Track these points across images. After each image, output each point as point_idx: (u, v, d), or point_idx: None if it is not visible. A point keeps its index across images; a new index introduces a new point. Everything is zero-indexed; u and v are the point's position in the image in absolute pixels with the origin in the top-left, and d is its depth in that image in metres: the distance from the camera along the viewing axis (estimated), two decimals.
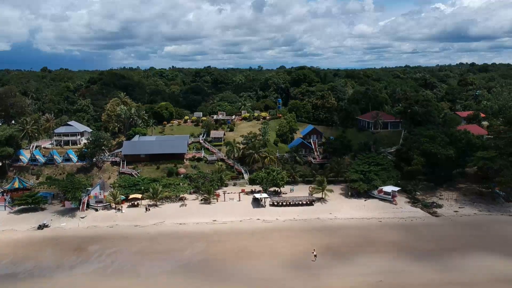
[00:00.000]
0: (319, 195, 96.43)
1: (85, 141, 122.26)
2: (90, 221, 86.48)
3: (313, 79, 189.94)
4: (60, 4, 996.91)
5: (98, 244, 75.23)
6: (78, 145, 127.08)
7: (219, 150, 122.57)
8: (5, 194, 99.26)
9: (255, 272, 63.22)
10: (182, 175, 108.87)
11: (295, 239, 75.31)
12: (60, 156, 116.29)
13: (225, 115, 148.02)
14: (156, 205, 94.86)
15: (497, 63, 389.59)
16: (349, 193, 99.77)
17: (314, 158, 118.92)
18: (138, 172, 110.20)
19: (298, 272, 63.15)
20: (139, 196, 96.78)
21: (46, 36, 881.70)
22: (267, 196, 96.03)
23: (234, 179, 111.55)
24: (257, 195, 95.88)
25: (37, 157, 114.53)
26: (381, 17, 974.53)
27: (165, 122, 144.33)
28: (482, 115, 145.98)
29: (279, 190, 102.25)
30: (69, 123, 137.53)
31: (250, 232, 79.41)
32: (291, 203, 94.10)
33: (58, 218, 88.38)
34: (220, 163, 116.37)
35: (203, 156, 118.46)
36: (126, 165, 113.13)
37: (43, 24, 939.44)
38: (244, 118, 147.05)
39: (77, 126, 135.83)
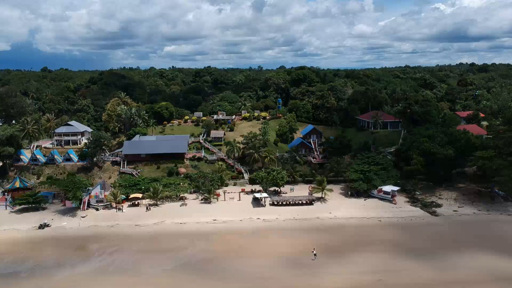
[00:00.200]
0: (319, 194, 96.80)
1: (86, 141, 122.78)
2: (91, 221, 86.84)
3: (313, 79, 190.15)
4: (60, 4, 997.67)
5: (99, 243, 75.58)
6: (79, 145, 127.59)
7: (219, 150, 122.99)
8: (6, 193, 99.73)
9: (255, 271, 63.59)
10: (182, 175, 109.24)
11: (295, 238, 75.69)
12: (61, 156, 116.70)
13: (225, 115, 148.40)
14: (156, 205, 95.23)
15: (497, 63, 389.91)
16: (349, 193, 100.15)
17: (314, 157, 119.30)
18: (138, 172, 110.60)
19: (298, 270, 63.53)
20: (140, 195, 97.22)
21: (46, 36, 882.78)
22: (267, 195, 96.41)
23: (234, 179, 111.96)
24: (257, 195, 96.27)
25: (37, 157, 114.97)
26: (381, 17, 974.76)
27: (165, 122, 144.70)
28: (482, 115, 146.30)
29: (279, 190, 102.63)
30: (69, 123, 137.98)
31: (250, 231, 79.78)
32: (291, 202, 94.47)
33: (59, 218, 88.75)
34: (220, 162, 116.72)
35: (203, 156, 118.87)
36: (126, 165, 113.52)
37: (43, 24, 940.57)
38: (244, 118, 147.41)
39: (77, 126, 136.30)
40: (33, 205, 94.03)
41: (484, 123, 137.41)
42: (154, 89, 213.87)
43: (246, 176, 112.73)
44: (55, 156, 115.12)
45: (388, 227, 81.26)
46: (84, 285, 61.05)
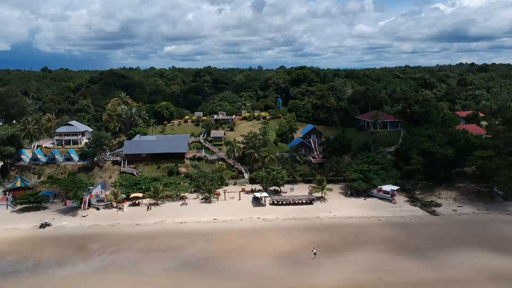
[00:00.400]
0: (319, 194, 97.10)
1: (86, 141, 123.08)
2: (92, 220, 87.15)
3: (313, 79, 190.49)
4: (60, 4, 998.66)
5: (100, 242, 75.88)
6: (79, 145, 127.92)
7: (220, 149, 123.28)
8: (7, 193, 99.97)
9: (255, 270, 63.91)
10: (182, 174, 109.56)
11: (295, 238, 75.98)
12: (61, 156, 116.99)
13: (225, 114, 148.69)
14: (157, 204, 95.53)
15: (497, 63, 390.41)
16: (349, 192, 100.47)
17: (314, 157, 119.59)
18: (139, 172, 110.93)
19: (298, 269, 63.82)
20: (140, 195, 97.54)
21: (46, 36, 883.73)
22: (267, 195, 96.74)
23: (234, 178, 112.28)
24: (257, 194, 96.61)
25: (38, 156, 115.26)
26: (381, 17, 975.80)
27: (165, 122, 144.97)
28: (481, 114, 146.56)
29: (279, 189, 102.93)
30: (70, 122, 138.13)
31: (250, 230, 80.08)
32: (291, 202, 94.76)
33: (60, 217, 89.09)
34: (220, 162, 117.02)
35: (204, 156, 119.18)
36: (127, 165, 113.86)
37: (43, 24, 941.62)
38: (244, 118, 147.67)
39: (78, 125, 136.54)
40: (34, 205, 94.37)
41: (484, 123, 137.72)
42: (154, 89, 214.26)
43: (246, 175, 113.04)
44: (56, 156, 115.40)
45: (387, 226, 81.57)
46: (85, 284, 61.32)
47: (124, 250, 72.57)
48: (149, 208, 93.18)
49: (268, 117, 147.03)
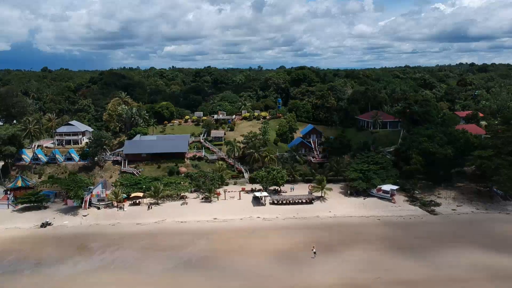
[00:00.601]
0: (319, 193, 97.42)
1: (87, 141, 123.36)
2: (93, 219, 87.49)
3: (313, 79, 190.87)
4: (60, 4, 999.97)
5: (101, 241, 76.22)
6: (80, 145, 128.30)
7: (220, 149, 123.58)
8: (8, 192, 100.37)
9: (255, 269, 64.23)
10: (183, 174, 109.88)
11: (295, 237, 76.30)
12: (62, 155, 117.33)
13: (225, 114, 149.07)
14: (157, 204, 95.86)
15: (497, 63, 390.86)
16: (348, 192, 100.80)
17: (313, 157, 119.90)
18: (139, 171, 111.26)
19: (298, 268, 64.13)
20: (141, 194, 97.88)
21: (46, 36, 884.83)
22: (267, 194, 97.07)
23: (234, 178, 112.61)
24: (257, 194, 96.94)
25: (39, 156, 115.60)
26: (381, 17, 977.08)
27: (165, 122, 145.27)
28: (481, 114, 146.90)
29: (279, 189, 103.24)
30: (70, 122, 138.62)
31: (250, 230, 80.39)
32: (291, 201, 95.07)
33: (60, 216, 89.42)
34: (220, 162, 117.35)
35: (204, 155, 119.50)
36: (127, 164, 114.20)
37: (43, 24, 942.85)
38: (244, 118, 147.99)
39: (78, 125, 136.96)
40: (35, 204, 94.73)
41: (483, 123, 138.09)
42: (154, 89, 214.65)
43: (246, 175, 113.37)
44: (57, 156, 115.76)
45: (387, 225, 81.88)
46: (86, 283, 61.61)
47: (125, 249, 72.92)
48: (150, 207, 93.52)
49: (268, 117, 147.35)
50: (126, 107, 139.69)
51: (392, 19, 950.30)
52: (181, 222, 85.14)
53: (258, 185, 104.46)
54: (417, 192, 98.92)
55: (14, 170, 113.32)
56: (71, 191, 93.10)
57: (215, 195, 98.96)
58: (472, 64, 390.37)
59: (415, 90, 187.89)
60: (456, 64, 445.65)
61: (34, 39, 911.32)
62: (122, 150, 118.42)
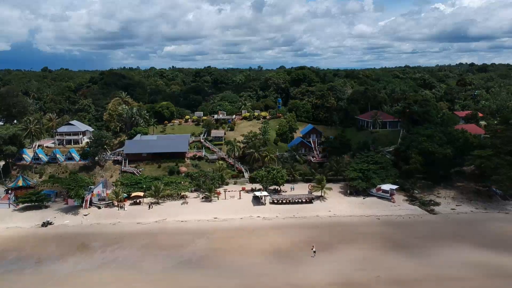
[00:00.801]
0: (319, 193, 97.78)
1: (87, 140, 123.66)
2: (93, 219, 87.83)
3: (313, 79, 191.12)
4: (60, 4, 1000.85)
5: (101, 241, 76.59)
6: (80, 144, 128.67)
7: (220, 149, 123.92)
8: (9, 192, 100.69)
9: (255, 268, 64.57)
10: (183, 174, 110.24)
11: (295, 236, 76.64)
12: (63, 155, 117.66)
13: (225, 114, 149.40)
14: (158, 203, 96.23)
15: (497, 63, 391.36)
16: (348, 191, 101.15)
17: (313, 157, 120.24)
18: (140, 171, 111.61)
19: (297, 267, 64.51)
20: (141, 194, 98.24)
21: (46, 36, 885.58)
22: (267, 194, 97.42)
23: (234, 178, 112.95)
24: (257, 193, 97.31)
25: (40, 156, 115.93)
26: (381, 17, 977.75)
27: (166, 122, 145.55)
28: (480, 114, 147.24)
29: (279, 189, 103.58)
30: (71, 122, 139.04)
31: (250, 229, 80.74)
32: (291, 201, 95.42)
33: (61, 216, 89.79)
34: (220, 162, 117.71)
35: (204, 155, 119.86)
36: (128, 164, 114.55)
37: (43, 24, 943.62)
38: (245, 118, 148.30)
39: (79, 125, 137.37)
40: (35, 204, 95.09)
41: (483, 122, 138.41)
42: (154, 89, 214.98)
43: (246, 175, 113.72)
44: (57, 155, 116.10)
45: (386, 225, 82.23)
46: (86, 282, 61.93)
47: (125, 249, 73.27)
48: (151, 206, 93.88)
49: (268, 116, 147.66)
50: (127, 107, 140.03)
51: (392, 19, 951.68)
52: (182, 221, 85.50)
53: (258, 184, 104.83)
54: (416, 191, 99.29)
55: (15, 170, 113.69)
56: (71, 191, 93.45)
57: (215, 195, 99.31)
58: (472, 64, 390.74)
59: (414, 90, 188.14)
60: (456, 64, 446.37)
61: (34, 39, 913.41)
62: (123, 150, 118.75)
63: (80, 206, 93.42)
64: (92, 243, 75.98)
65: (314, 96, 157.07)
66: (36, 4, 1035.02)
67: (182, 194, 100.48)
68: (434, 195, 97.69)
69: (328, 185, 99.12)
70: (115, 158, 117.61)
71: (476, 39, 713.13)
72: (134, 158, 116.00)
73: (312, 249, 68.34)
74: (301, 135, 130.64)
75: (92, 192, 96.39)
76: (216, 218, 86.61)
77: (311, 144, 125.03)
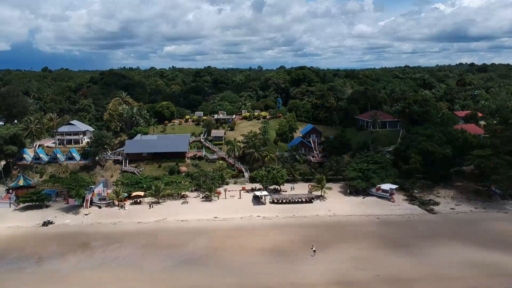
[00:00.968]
0: (318, 193, 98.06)
1: (88, 140, 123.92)
2: (94, 218, 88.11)
3: (313, 79, 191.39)
4: (60, 4, 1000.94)
5: (102, 240, 76.86)
6: (81, 144, 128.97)
7: (220, 149, 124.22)
8: (10, 191, 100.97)
9: (255, 267, 64.80)
10: (183, 173, 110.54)
11: (295, 236, 76.92)
12: (63, 155, 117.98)
13: (225, 114, 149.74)
14: (158, 203, 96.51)
15: (497, 63, 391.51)
16: (348, 191, 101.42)
17: (313, 156, 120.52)
18: (140, 170, 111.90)
19: (297, 266, 64.77)
20: (142, 193, 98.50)
21: (46, 36, 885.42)
22: (267, 194, 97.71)
23: (234, 177, 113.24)
24: (258, 193, 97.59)
25: (40, 155, 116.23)
26: (381, 17, 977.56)
27: (166, 122, 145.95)
28: (480, 114, 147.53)
29: (279, 188, 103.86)
30: (71, 122, 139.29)
31: (250, 228, 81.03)
32: (291, 200, 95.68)
33: (62, 215, 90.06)
34: (221, 161, 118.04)
35: (204, 155, 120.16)
36: (128, 164, 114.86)
37: (43, 24, 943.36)
38: (245, 118, 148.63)
39: (79, 125, 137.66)
40: (36, 203, 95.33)
41: (482, 122, 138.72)
42: (154, 89, 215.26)
43: (246, 174, 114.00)
44: (58, 155, 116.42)
45: (386, 224, 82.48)
46: (87, 281, 62.17)
47: (126, 248, 73.51)
48: (151, 206, 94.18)
49: (268, 116, 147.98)
50: (127, 106, 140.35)
51: (392, 19, 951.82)
52: (182, 220, 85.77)
53: (258, 184, 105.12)
54: (416, 191, 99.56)
55: (15, 170, 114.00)
56: (72, 190, 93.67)
57: (216, 194, 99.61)
58: (472, 64, 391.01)
59: (414, 90, 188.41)
60: (456, 64, 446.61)
61: (34, 39, 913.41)
62: (123, 150, 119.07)
63: (81, 205, 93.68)
64: (93, 242, 76.24)
65: (314, 96, 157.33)
66: (36, 4, 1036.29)
67: (182, 193, 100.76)
68: (433, 195, 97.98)
69: (328, 185, 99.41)
70: (116, 158, 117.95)
71: (476, 39, 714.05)
72: (135, 158, 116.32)
73: (312, 248, 68.61)
74: (301, 135, 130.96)
75: (93, 191, 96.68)
76: (216, 217, 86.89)
77: (311, 144, 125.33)
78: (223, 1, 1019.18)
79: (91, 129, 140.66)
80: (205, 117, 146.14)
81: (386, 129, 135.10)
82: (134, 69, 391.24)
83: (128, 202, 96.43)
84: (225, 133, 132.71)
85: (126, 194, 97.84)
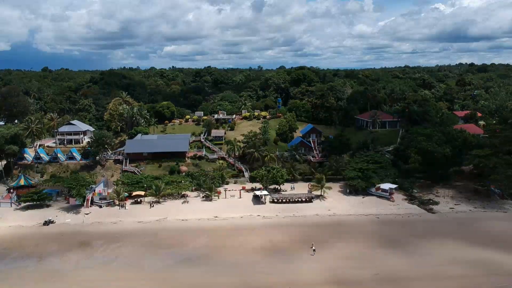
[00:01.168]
0: (318, 192, 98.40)
1: (88, 140, 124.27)
2: (95, 218, 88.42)
3: (313, 79, 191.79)
4: (60, 4, 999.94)
5: (103, 239, 77.19)
6: (81, 144, 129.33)
7: (220, 148, 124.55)
8: (11, 191, 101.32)
9: (255, 266, 65.14)
10: (184, 173, 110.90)
11: (294, 235, 77.24)
12: (64, 155, 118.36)
13: (225, 114, 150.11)
14: (158, 202, 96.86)
15: (496, 63, 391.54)
16: (348, 191, 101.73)
17: (313, 156, 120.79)
18: (140, 170, 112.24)
19: (297, 265, 65.10)
20: (142, 193, 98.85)
21: (46, 36, 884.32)
22: (267, 193, 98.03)
23: (235, 177, 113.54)
24: (258, 193, 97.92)
25: (41, 155, 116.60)
26: (381, 17, 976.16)
27: (166, 121, 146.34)
28: (479, 114, 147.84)
29: (279, 188, 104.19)
30: (71, 122, 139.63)
31: (251, 228, 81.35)
32: (291, 200, 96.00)
33: (63, 215, 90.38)
34: (221, 161, 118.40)
35: (204, 155, 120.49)
36: (129, 163, 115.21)
37: (43, 24, 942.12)
38: (245, 117, 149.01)
39: (79, 125, 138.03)
40: (37, 203, 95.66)
41: (482, 122, 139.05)
42: (154, 89, 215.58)
43: (246, 174, 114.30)
44: (58, 155, 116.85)
45: (385, 224, 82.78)
46: (88, 280, 62.42)
47: (126, 247, 73.84)
48: (152, 205, 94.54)
49: (268, 116, 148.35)
50: (127, 106, 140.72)
51: (391, 19, 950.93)
52: (182, 220, 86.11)
53: (258, 184, 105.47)
54: (415, 190, 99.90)
55: (16, 169, 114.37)
56: (73, 190, 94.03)
57: (216, 194, 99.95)
58: (472, 64, 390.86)
59: (414, 90, 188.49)
60: (456, 64, 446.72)
61: (34, 39, 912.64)
62: (124, 149, 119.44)
63: (82, 205, 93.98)
64: (93, 241, 76.56)
65: (314, 96, 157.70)
66: (36, 4, 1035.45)
67: (182, 193, 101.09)
68: (433, 194, 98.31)
69: (327, 185, 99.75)
70: (116, 158, 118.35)
71: (476, 39, 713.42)
72: (135, 158, 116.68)
73: (312, 247, 68.94)
74: (301, 135, 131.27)
75: (94, 191, 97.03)
76: (216, 217, 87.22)
77: (310, 143, 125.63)
78: (223, 1, 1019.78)
79: (91, 129, 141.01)
80: (205, 117, 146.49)
81: (386, 129, 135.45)
82: (134, 69, 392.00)
83: (128, 202, 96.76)
84: (225, 133, 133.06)
85: (126, 194, 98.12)
